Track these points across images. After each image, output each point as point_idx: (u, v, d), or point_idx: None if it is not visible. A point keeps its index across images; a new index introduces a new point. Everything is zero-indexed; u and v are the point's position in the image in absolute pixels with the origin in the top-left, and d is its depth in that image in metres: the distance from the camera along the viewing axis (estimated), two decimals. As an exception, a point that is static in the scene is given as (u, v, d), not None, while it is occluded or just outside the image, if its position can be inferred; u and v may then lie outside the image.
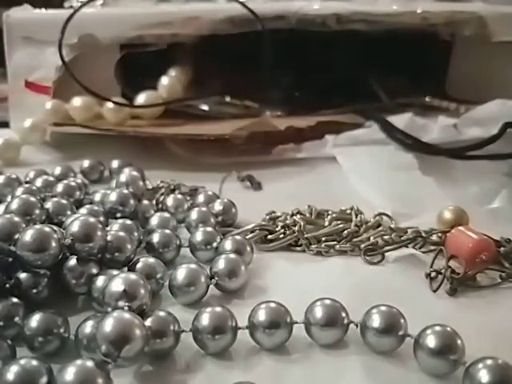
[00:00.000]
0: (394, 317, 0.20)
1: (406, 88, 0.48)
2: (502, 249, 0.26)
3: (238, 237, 0.26)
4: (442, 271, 0.24)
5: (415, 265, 0.26)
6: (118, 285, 0.20)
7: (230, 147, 0.38)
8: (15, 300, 0.21)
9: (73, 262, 0.22)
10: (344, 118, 0.42)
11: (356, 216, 0.29)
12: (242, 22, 0.40)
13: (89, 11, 0.41)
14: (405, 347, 0.20)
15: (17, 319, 0.20)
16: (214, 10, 0.40)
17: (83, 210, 0.27)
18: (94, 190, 0.32)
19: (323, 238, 0.27)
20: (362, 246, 0.27)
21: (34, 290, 0.22)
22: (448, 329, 0.19)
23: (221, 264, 0.23)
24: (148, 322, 0.19)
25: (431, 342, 0.19)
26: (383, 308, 0.20)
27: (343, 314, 0.20)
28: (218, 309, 0.20)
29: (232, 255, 0.24)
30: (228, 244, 0.25)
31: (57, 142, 0.41)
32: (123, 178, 0.30)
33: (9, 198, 0.29)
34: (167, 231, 0.26)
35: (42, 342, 0.19)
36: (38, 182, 0.31)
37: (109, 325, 0.18)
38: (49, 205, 0.26)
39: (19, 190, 0.29)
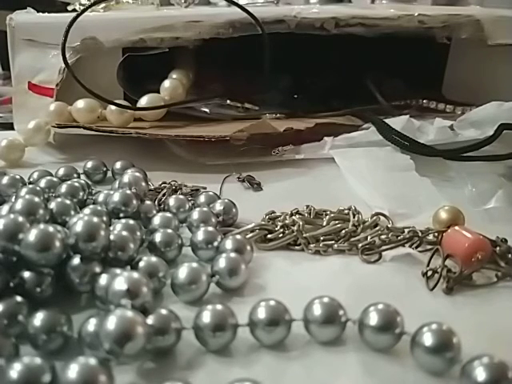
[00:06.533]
0: (391, 315, 0.20)
1: (403, 90, 0.48)
2: (498, 248, 0.26)
3: (238, 236, 0.26)
4: (439, 270, 0.25)
5: (412, 264, 0.26)
6: (120, 283, 0.20)
7: (230, 149, 0.38)
8: (19, 299, 0.21)
9: (76, 261, 0.23)
10: (342, 120, 0.42)
11: (354, 216, 0.29)
12: (243, 25, 0.40)
13: (92, 15, 0.41)
14: (402, 345, 0.20)
15: (21, 317, 0.20)
16: (215, 14, 0.40)
17: (87, 210, 0.27)
18: (97, 190, 0.32)
19: (321, 238, 0.28)
20: (360, 245, 0.27)
21: (38, 289, 0.22)
22: (444, 327, 0.19)
23: (221, 263, 0.24)
24: (150, 320, 0.19)
25: (428, 339, 0.19)
26: (380, 306, 0.20)
27: (341, 312, 0.20)
28: (219, 307, 0.20)
29: (232, 254, 0.24)
30: (228, 243, 0.25)
31: (60, 144, 0.41)
32: (126, 178, 0.30)
33: (13, 199, 0.29)
34: (169, 231, 0.26)
35: (46, 340, 0.19)
36: (42, 183, 0.31)
37: (111, 323, 0.18)
38: (52, 205, 0.27)
39: (23, 191, 0.29)
